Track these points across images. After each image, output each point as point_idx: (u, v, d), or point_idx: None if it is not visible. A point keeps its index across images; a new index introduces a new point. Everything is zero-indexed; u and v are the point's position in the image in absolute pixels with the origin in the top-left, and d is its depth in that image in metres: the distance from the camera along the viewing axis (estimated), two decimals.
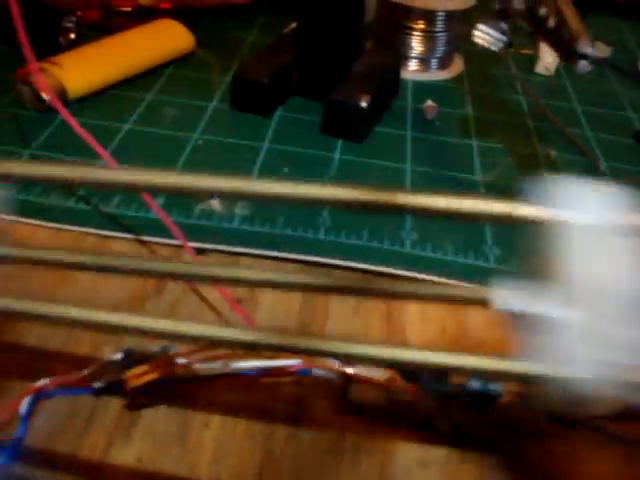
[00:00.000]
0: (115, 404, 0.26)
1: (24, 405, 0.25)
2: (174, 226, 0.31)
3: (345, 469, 0.25)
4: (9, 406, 0.25)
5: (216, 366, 0.27)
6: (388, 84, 0.47)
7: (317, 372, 0.26)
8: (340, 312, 0.31)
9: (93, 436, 0.25)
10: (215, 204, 0.36)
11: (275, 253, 0.33)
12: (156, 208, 0.32)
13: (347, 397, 0.26)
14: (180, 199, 0.36)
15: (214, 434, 0.26)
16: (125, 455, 0.24)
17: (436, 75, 0.53)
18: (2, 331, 0.28)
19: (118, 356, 0.26)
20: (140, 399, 0.26)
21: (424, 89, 0.51)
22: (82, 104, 0.43)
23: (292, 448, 0.25)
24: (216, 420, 0.26)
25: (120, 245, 0.34)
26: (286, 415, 0.27)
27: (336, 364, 0.26)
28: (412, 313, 0.32)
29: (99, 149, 0.33)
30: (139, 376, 0.25)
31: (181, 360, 0.26)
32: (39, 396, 0.25)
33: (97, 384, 0.26)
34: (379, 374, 0.26)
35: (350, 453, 0.26)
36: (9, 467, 0.24)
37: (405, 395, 0.25)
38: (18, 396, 0.25)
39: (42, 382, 0.25)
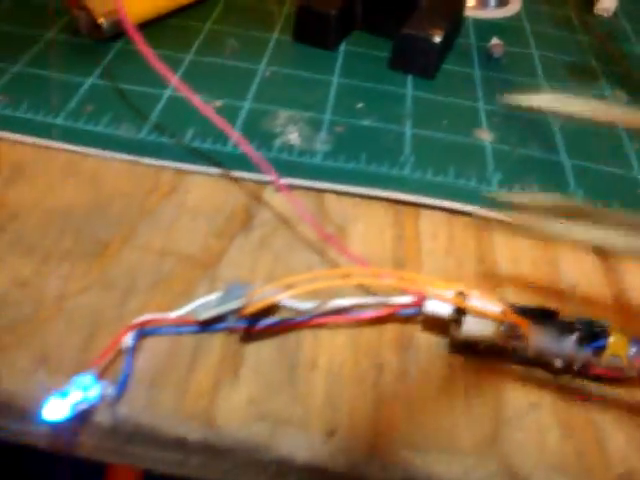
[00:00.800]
0: (218, 344, 0.25)
1: (128, 340, 0.23)
2: (263, 160, 0.29)
3: (458, 413, 0.24)
4: (112, 342, 0.23)
5: (321, 305, 0.25)
6: (456, 20, 0.45)
7: (427, 309, 0.25)
8: (432, 251, 0.30)
9: (200, 375, 0.24)
10: (294, 138, 0.34)
11: (363, 190, 0.32)
12: (240, 140, 0.30)
13: (458, 334, 0.25)
14: (257, 131, 0.34)
15: (323, 377, 0.24)
16: (236, 396, 0.23)
17: (495, 13, 0.51)
18: (91, 267, 0.27)
19: (217, 293, 0.25)
20: (253, 329, 0.25)
21: (485, 27, 0.49)
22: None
23: (403, 391, 0.24)
24: (323, 362, 0.25)
25: (199, 180, 0.32)
26: (394, 356, 0.25)
27: (451, 295, 0.25)
28: (503, 253, 0.30)
29: (169, 74, 0.30)
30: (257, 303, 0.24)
31: (286, 300, 0.25)
32: (141, 332, 0.24)
33: (201, 319, 0.24)
34: (492, 307, 0.24)
35: (462, 396, 0.24)
36: (114, 407, 0.22)
37: (516, 330, 0.24)
38: (122, 331, 0.23)
39: (143, 318, 0.24)
